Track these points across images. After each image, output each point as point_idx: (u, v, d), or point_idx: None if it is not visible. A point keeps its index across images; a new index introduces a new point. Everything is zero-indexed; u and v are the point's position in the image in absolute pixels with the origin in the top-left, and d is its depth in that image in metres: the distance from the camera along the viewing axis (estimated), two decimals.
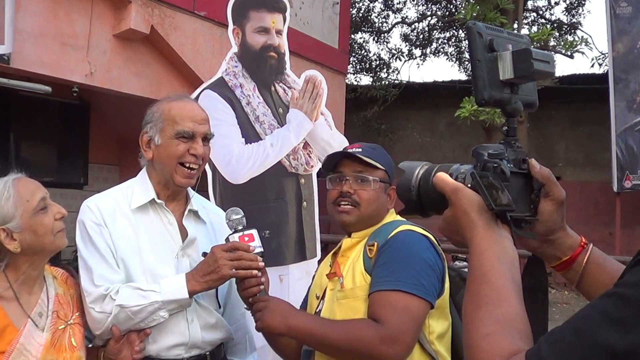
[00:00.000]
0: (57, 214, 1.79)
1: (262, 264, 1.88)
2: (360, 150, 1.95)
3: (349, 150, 1.96)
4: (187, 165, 1.93)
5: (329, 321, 1.77)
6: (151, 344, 1.91)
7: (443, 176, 1.04)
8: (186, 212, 2.01)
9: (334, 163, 1.97)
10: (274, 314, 1.76)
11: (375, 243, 1.82)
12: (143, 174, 2.03)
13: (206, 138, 1.98)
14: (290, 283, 3.21)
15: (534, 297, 0.86)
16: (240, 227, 1.90)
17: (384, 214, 1.96)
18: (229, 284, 2.11)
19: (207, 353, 1.99)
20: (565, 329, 0.78)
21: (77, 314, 1.87)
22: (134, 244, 1.92)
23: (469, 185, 1.00)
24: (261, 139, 3.17)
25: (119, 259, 1.90)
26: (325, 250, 4.60)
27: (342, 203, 1.90)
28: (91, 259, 1.87)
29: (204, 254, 1.98)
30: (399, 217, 1.96)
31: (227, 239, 1.90)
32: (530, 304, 0.91)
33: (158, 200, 1.97)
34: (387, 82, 13.69)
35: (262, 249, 1.89)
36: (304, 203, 3.32)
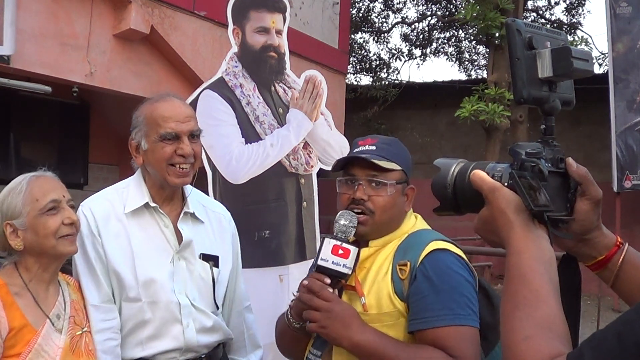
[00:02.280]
0: (67, 219, 1.75)
1: (327, 280, 1.66)
2: (374, 148, 1.73)
3: (358, 153, 1.73)
4: (177, 165, 1.90)
5: (400, 344, 1.60)
6: (146, 349, 1.90)
7: (481, 174, 1.03)
8: (181, 215, 1.98)
9: (343, 162, 1.77)
10: (336, 322, 1.59)
11: (408, 263, 1.64)
12: (138, 176, 2.00)
13: (192, 135, 1.93)
14: (290, 283, 3.20)
15: (566, 296, 0.84)
16: (342, 236, 1.68)
17: (402, 218, 1.77)
18: (227, 283, 2.10)
19: (203, 356, 1.97)
20: (607, 333, 0.77)
21: (89, 323, 1.86)
22: (127, 250, 1.90)
23: (506, 184, 0.99)
24: (261, 139, 3.17)
25: (110, 271, 1.89)
26: None
27: (355, 211, 1.69)
28: (82, 270, 1.90)
29: (202, 256, 1.97)
30: (419, 219, 1.81)
31: (322, 239, 1.72)
32: (563, 303, 0.90)
33: (152, 204, 1.94)
34: (387, 82, 13.69)
35: (350, 272, 1.65)
36: (304, 203, 3.32)
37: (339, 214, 1.70)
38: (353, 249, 1.66)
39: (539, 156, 1.00)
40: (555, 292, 0.90)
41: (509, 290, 0.92)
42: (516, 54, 1.02)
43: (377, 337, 1.59)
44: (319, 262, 1.67)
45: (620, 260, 1.08)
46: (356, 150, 1.75)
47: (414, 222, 1.79)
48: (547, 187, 0.97)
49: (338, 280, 1.67)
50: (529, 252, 0.93)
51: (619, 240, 1.10)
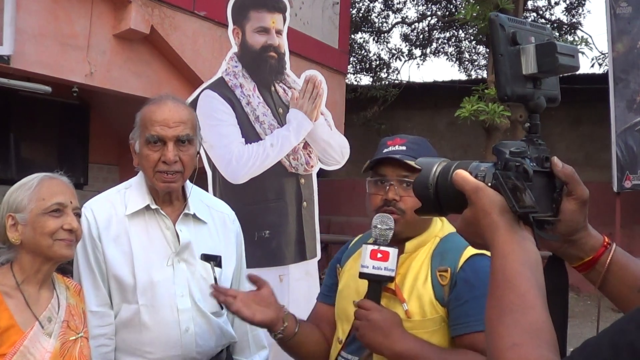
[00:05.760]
0: (67, 224, 1.74)
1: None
2: (404, 148, 1.73)
3: (388, 153, 1.73)
4: (163, 172, 1.87)
5: (441, 351, 1.60)
6: (145, 354, 1.88)
7: (463, 174, 0.99)
8: (181, 216, 1.96)
9: (374, 163, 1.77)
10: (375, 331, 1.58)
11: (449, 269, 1.65)
12: (140, 177, 2.00)
13: (181, 140, 1.87)
14: (290, 283, 3.21)
15: (553, 299, 0.82)
16: (381, 240, 1.67)
17: (431, 218, 1.77)
18: (231, 283, 2.09)
19: None
20: (600, 342, 0.75)
21: (86, 328, 1.85)
22: (127, 252, 1.89)
23: (490, 185, 0.96)
24: (261, 139, 3.17)
25: (110, 275, 1.89)
26: (325, 251, 4.59)
27: (387, 212, 1.70)
28: (83, 273, 1.91)
29: (203, 256, 1.96)
30: (445, 222, 1.80)
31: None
32: (550, 306, 0.88)
33: (153, 206, 1.93)
34: (387, 82, 13.68)
35: (393, 273, 1.64)
36: (304, 203, 3.32)
37: (375, 217, 1.70)
38: (392, 250, 1.66)
39: (523, 155, 0.96)
40: (542, 296, 0.87)
41: (495, 295, 0.89)
42: (499, 50, 0.99)
43: (419, 345, 1.59)
44: (361, 270, 1.66)
45: (608, 261, 1.05)
46: (386, 150, 1.76)
47: (441, 225, 1.79)
48: (532, 188, 0.94)
49: (379, 284, 1.66)
50: (514, 255, 0.90)
51: (607, 240, 1.08)
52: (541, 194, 0.98)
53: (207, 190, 2.88)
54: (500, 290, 0.88)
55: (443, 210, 1.08)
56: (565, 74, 1.03)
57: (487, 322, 0.88)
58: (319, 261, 3.44)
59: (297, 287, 3.21)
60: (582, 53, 9.32)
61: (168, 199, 1.97)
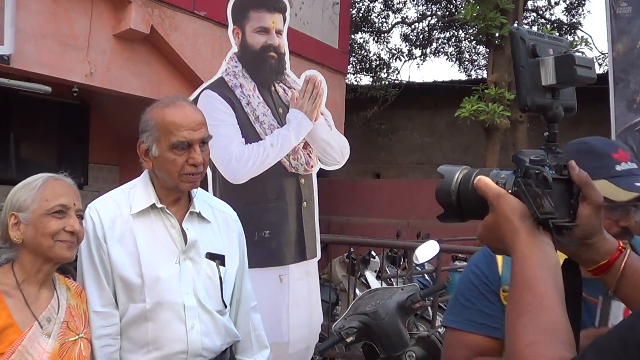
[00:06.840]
0: (69, 226, 1.75)
1: None
2: (636, 166, 1.52)
3: (631, 173, 1.48)
4: (189, 174, 1.91)
5: None
6: (151, 352, 1.90)
7: (487, 181, 1.03)
8: (187, 215, 1.99)
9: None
10: None
11: None
12: (145, 177, 2.01)
13: (204, 142, 1.93)
14: (290, 283, 3.21)
15: (568, 301, 0.81)
16: None
17: None
18: (235, 281, 2.10)
19: None
20: (610, 338, 0.77)
21: (87, 328, 1.85)
22: (133, 251, 1.91)
23: (510, 191, 1.00)
24: (261, 139, 3.17)
25: (115, 275, 1.90)
26: (325, 251, 4.59)
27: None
28: (87, 273, 1.91)
29: (207, 255, 1.97)
30: None
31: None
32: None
33: (159, 205, 1.95)
34: (387, 82, 13.68)
35: None
36: (304, 203, 3.32)
37: None
38: None
39: (542, 163, 1.01)
40: (560, 298, 0.90)
41: (514, 297, 0.92)
42: (520, 62, 1.03)
43: None
44: None
45: (623, 264, 1.09)
46: (622, 168, 1.52)
47: None
48: (551, 194, 0.98)
49: None
50: (533, 259, 0.93)
51: (621, 244, 1.11)
52: (559, 200, 1.02)
53: (207, 190, 2.88)
54: (519, 291, 0.92)
55: (464, 217, 1.12)
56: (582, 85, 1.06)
57: (506, 323, 0.91)
58: (319, 261, 3.45)
59: (297, 287, 3.21)
60: (582, 53, 9.31)
61: (176, 199, 1.99)
